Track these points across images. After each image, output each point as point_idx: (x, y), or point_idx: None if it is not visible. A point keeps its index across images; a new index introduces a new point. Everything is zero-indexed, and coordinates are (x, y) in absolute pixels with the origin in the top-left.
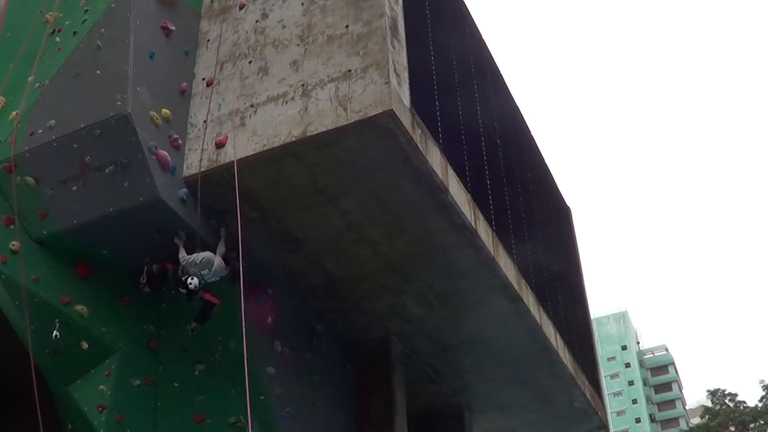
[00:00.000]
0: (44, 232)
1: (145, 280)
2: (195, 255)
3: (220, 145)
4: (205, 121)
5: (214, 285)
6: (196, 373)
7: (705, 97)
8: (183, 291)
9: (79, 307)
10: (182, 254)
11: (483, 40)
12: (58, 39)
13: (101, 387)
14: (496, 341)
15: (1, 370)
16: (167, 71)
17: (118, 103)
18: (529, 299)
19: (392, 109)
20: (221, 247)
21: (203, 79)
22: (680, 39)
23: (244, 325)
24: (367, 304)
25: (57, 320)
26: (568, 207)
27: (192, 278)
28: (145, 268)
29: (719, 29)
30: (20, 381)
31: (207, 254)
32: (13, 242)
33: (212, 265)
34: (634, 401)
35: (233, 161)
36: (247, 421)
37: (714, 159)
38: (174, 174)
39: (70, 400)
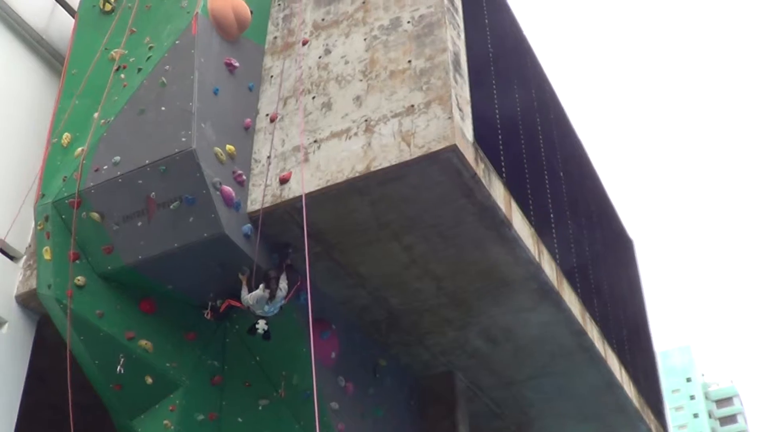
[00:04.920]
0: (109, 268)
1: (209, 316)
2: (248, 297)
3: (284, 181)
4: (268, 157)
5: (281, 321)
6: (260, 408)
7: None
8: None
9: (143, 342)
10: (244, 292)
11: (545, 74)
12: (123, 75)
13: (165, 422)
14: (560, 376)
15: (67, 404)
16: (231, 107)
17: (183, 139)
18: (593, 333)
19: (455, 144)
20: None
21: (267, 114)
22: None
23: (313, 361)
24: (430, 338)
25: (121, 355)
26: (631, 239)
27: (258, 323)
28: (210, 304)
29: None
30: (85, 414)
31: (255, 293)
32: (79, 277)
33: (265, 300)
34: None
35: (298, 196)
36: None
37: None
38: (238, 210)
39: None
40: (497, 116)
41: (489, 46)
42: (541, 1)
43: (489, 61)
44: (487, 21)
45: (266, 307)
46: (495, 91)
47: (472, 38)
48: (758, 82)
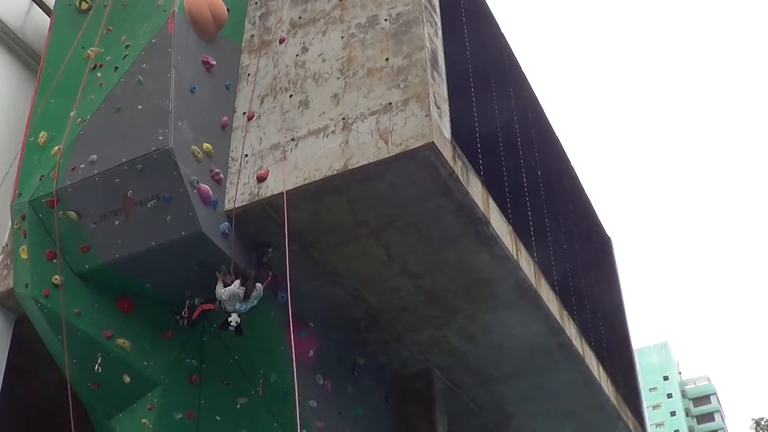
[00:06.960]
0: (86, 266)
1: (186, 314)
2: (222, 291)
3: (261, 179)
4: (246, 155)
5: (258, 318)
6: (238, 406)
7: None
8: (231, 329)
9: (121, 341)
10: (219, 287)
11: (524, 73)
12: (99, 74)
13: (143, 420)
14: (538, 374)
15: (45, 402)
16: (208, 105)
17: (160, 137)
18: (571, 331)
19: (433, 142)
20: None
21: (244, 113)
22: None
23: (294, 360)
24: (408, 336)
25: (99, 354)
26: (609, 237)
27: (230, 317)
28: (187, 302)
29: None
30: (63, 414)
31: (229, 289)
32: (56, 276)
33: (240, 296)
34: None
35: (277, 194)
36: None
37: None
38: (215, 208)
39: None
40: (475, 115)
41: (467, 45)
42: (521, 2)
43: (467, 60)
44: (464, 20)
45: (238, 305)
46: (473, 91)
47: (451, 37)
48: (737, 85)
